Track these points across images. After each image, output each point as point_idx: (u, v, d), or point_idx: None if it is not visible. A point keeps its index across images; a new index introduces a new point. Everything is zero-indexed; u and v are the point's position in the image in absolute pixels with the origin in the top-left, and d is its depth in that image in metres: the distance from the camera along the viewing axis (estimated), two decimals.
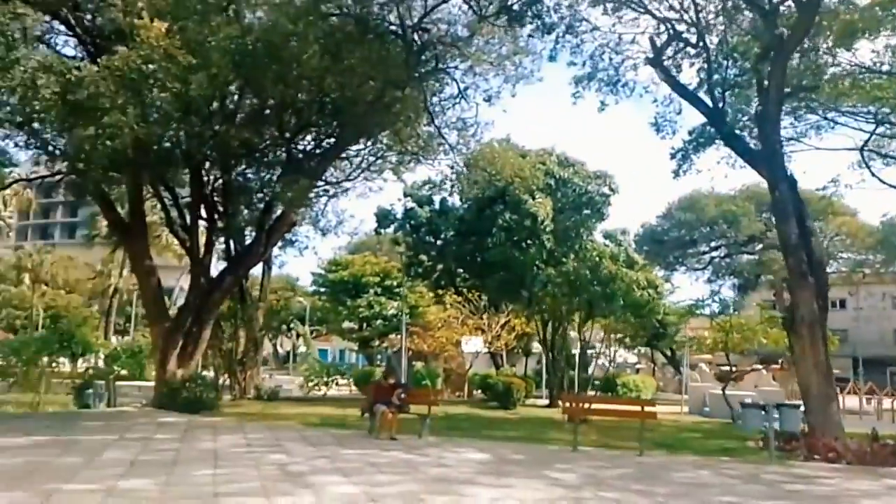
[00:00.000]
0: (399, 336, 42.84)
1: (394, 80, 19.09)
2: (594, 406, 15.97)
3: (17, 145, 19.83)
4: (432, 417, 15.11)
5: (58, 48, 19.73)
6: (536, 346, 38.95)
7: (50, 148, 20.15)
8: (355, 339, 49.53)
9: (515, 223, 29.15)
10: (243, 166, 23.40)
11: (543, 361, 33.12)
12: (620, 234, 33.92)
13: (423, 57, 20.33)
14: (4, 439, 13.21)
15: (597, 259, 26.45)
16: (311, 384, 29.43)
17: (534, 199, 28.97)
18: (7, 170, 23.85)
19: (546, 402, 28.17)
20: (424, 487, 9.29)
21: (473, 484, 9.73)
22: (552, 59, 20.87)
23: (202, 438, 13.92)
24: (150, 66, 15.79)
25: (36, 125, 17.96)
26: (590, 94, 21.67)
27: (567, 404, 16.76)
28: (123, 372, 28.49)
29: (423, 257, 35.90)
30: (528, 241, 29.21)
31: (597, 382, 31.01)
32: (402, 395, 14.91)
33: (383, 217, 35.92)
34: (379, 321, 47.04)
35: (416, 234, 35.33)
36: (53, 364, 27.05)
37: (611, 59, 20.96)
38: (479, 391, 29.52)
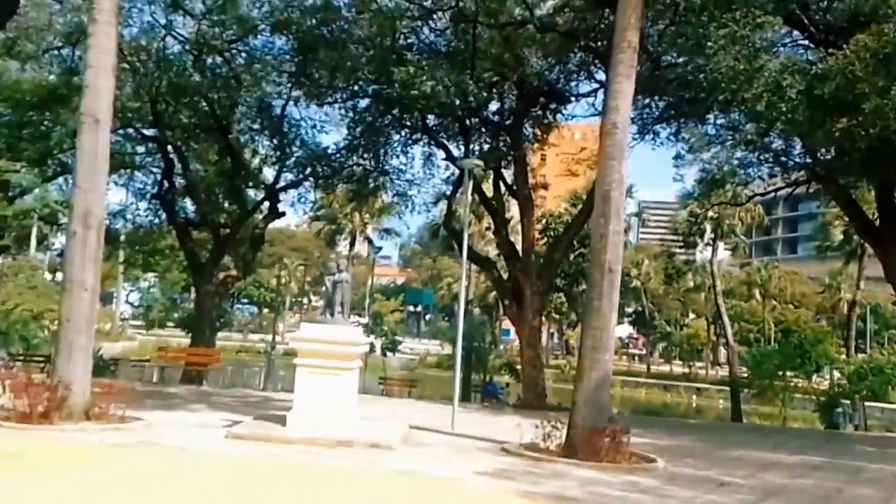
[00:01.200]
0: None
1: None
2: None
3: (750, 163, 19.92)
4: None
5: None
6: None
7: (782, 159, 19.67)
8: None
9: None
10: None
11: None
12: None
13: None
14: (772, 455, 12.89)
15: None
16: None
17: None
18: (740, 187, 24.79)
19: None
20: None
21: None
22: None
23: None
24: None
25: (770, 136, 17.73)
26: None
27: None
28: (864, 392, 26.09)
29: None
30: None
31: None
32: None
33: None
34: None
35: None
36: (791, 379, 26.52)
37: None
38: None
